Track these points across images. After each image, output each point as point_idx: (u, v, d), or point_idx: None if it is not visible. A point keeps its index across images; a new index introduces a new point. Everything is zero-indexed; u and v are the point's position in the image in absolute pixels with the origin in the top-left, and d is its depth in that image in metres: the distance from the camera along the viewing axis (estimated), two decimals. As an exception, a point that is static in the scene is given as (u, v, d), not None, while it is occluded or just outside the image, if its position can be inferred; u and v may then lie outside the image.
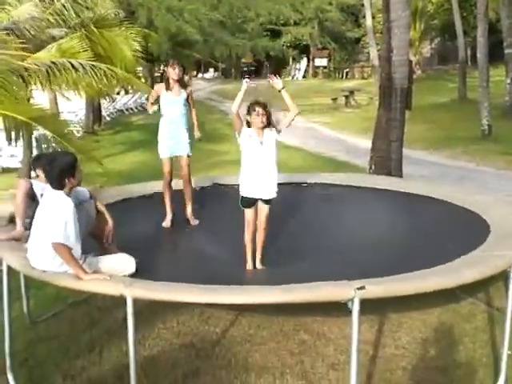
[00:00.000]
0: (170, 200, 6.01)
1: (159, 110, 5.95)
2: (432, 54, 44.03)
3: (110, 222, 4.48)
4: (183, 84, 5.95)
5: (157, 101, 5.97)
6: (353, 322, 3.36)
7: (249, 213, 4.97)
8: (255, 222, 4.97)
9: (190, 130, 6.07)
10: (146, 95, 20.32)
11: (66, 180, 3.96)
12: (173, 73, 5.83)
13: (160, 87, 5.95)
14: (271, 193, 4.90)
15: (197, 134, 6.18)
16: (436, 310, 5.25)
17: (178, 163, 6.07)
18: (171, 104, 5.87)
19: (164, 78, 6.02)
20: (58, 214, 3.81)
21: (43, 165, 4.26)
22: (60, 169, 3.96)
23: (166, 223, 5.94)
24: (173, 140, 5.92)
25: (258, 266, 4.94)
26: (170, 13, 24.62)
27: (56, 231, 3.73)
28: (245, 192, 4.93)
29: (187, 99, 5.96)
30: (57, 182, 3.95)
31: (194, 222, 5.99)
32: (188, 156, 6.03)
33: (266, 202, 4.95)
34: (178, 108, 5.89)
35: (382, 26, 9.05)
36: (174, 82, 5.88)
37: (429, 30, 38.87)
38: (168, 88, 5.87)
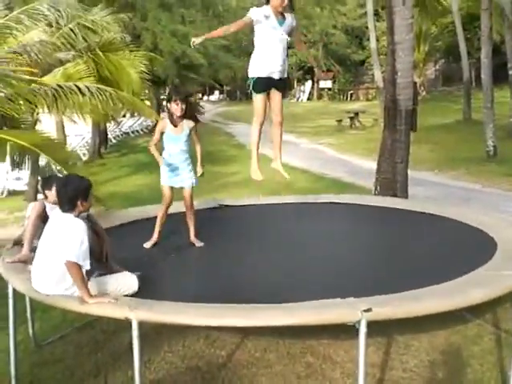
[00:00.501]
0: (161, 224, 5.88)
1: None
2: (436, 75, 44.28)
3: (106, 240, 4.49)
4: (189, 117, 5.78)
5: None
6: (359, 344, 3.33)
7: (259, 99, 4.70)
8: (265, 111, 4.74)
9: (194, 162, 5.91)
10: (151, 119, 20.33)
11: (79, 202, 3.96)
12: (176, 109, 5.65)
13: (164, 124, 5.77)
14: (284, 72, 4.74)
15: (199, 170, 5.95)
16: (443, 331, 5.21)
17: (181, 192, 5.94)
18: (172, 141, 5.73)
19: (167, 113, 5.76)
20: (73, 234, 3.78)
21: (57, 186, 4.22)
22: (75, 191, 3.96)
23: (147, 244, 5.81)
24: (173, 172, 5.80)
25: (285, 175, 4.84)
26: (175, 37, 24.80)
27: (71, 250, 3.70)
28: (258, 72, 4.68)
29: (191, 133, 5.79)
30: (68, 204, 3.93)
31: (199, 243, 5.95)
32: (190, 188, 5.90)
33: (280, 87, 4.73)
34: (179, 146, 5.74)
35: (387, 48, 9.08)
36: (178, 118, 5.71)
37: (433, 51, 39.18)
38: (172, 124, 5.71)
